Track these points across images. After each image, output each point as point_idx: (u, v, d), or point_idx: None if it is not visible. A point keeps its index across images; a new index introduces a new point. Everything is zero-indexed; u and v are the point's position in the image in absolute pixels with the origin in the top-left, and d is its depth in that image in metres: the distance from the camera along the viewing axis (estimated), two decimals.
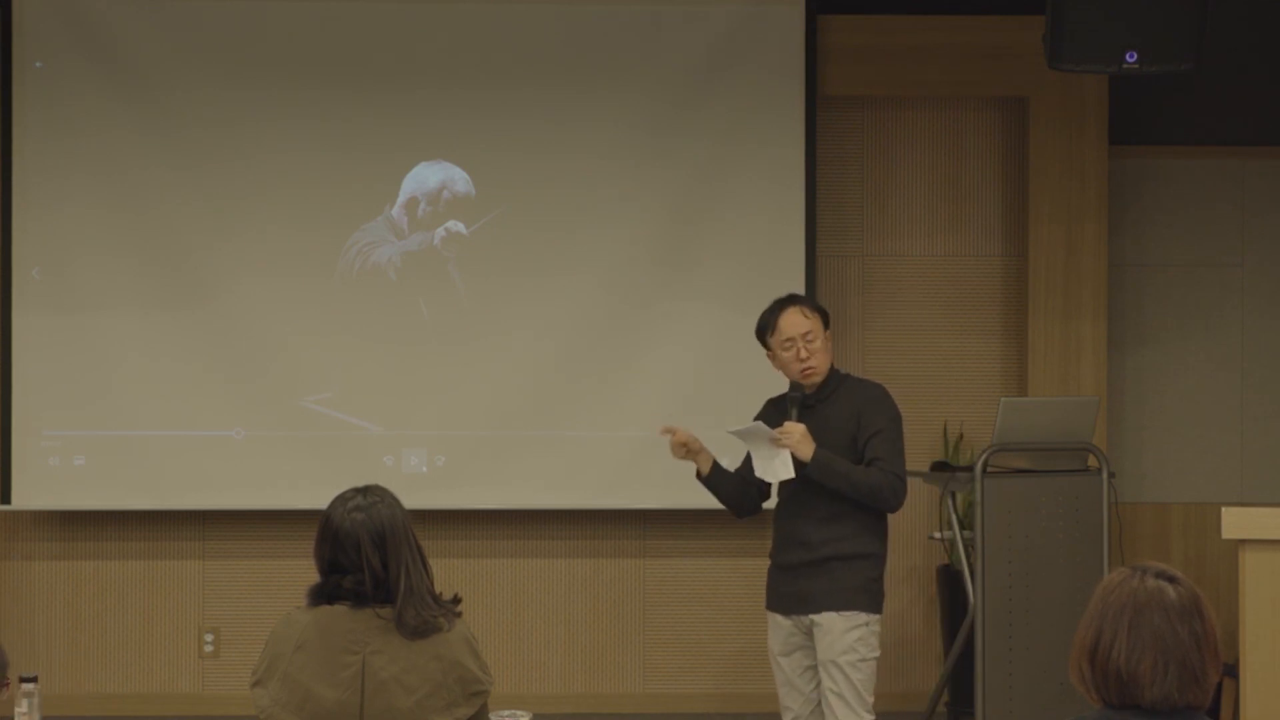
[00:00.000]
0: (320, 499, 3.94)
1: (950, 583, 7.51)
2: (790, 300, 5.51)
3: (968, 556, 6.57)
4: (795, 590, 5.42)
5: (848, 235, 7.97)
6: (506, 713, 3.97)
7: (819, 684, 5.42)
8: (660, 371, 7.69)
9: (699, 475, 5.57)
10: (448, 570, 7.57)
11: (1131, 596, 2.84)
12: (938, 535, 7.48)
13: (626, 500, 7.73)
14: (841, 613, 5.34)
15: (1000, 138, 7.99)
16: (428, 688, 3.65)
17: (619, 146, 7.69)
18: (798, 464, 5.30)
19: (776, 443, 5.32)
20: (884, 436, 5.36)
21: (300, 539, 7.37)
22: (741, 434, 5.39)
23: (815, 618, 5.37)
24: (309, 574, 3.78)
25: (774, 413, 5.50)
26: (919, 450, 7.79)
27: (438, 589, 3.76)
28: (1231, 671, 6.47)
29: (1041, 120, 7.82)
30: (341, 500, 3.76)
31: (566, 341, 7.70)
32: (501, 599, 7.87)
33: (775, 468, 5.34)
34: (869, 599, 5.38)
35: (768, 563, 5.57)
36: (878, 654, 5.41)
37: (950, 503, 6.73)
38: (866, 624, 5.37)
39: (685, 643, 7.91)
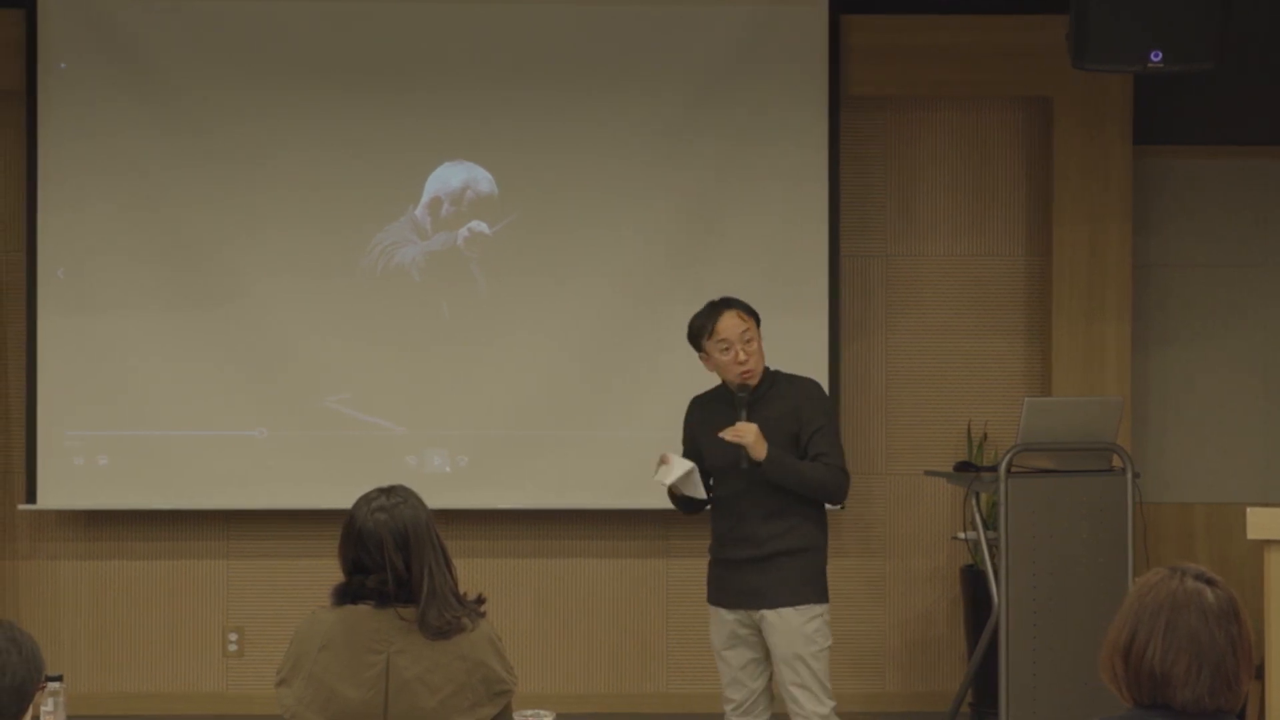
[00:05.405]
0: (344, 499, 3.95)
1: (974, 583, 7.50)
2: (725, 303, 5.64)
3: (991, 557, 6.55)
4: (742, 585, 5.55)
5: (871, 235, 7.96)
6: (530, 712, 3.96)
7: (766, 676, 5.60)
8: (682, 372, 7.66)
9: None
10: (471, 570, 7.57)
11: (1170, 597, 2.83)
12: (961, 535, 7.46)
13: (649, 500, 7.69)
14: (796, 607, 5.49)
15: (1024, 137, 7.97)
16: (451, 687, 3.66)
17: (641, 147, 7.68)
18: (752, 463, 5.41)
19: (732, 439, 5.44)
20: (825, 432, 5.51)
21: (324, 539, 7.37)
22: (678, 480, 5.53)
23: (765, 613, 5.51)
24: (333, 574, 3.79)
25: (702, 413, 5.66)
26: (943, 450, 7.79)
27: (461, 589, 3.77)
28: (1257, 673, 6.45)
29: (1065, 120, 7.79)
30: (365, 500, 3.77)
31: (589, 341, 7.69)
32: (525, 599, 7.87)
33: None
34: (817, 590, 5.53)
35: None
36: (831, 642, 5.57)
37: (974, 503, 6.71)
38: (821, 615, 5.52)
39: (708, 642, 7.86)
